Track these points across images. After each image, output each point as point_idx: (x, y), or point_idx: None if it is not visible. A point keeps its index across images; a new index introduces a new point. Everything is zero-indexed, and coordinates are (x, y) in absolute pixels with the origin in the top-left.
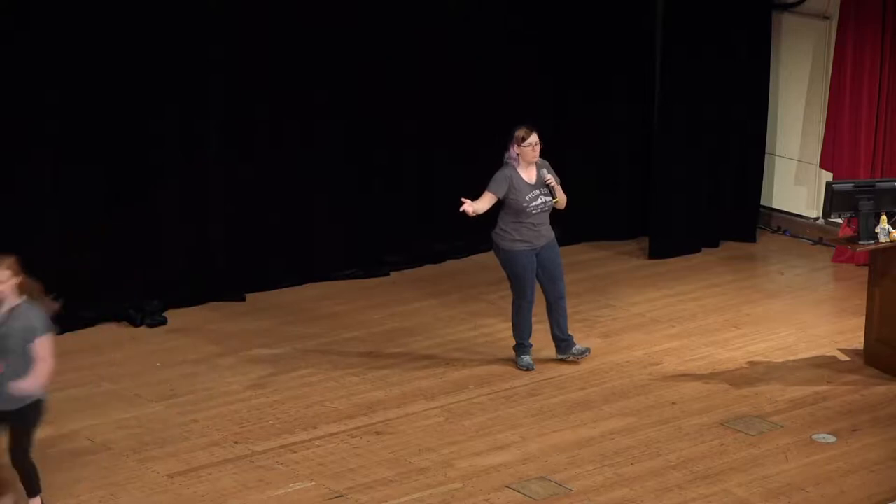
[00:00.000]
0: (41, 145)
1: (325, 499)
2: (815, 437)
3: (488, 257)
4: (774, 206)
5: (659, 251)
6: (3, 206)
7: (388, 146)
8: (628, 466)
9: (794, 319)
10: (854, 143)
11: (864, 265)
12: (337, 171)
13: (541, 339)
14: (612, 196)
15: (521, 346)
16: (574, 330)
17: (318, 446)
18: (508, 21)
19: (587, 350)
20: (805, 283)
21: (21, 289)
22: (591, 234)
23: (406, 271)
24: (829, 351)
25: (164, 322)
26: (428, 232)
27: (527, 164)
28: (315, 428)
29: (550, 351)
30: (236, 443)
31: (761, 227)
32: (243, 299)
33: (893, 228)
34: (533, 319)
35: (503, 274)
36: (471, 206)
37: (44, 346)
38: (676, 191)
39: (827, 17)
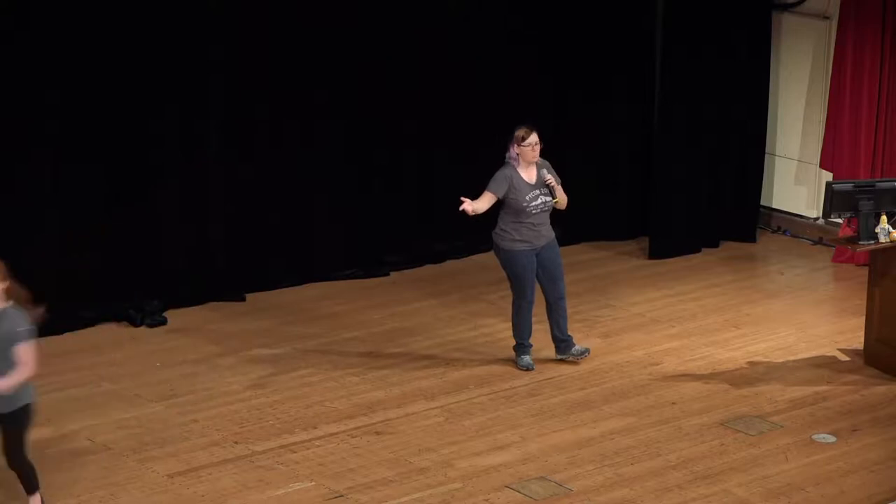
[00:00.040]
0: (41, 145)
1: (325, 499)
2: (815, 437)
3: (488, 257)
4: (774, 206)
5: (659, 251)
6: (3, 206)
7: (388, 146)
8: (628, 466)
9: (794, 319)
10: (854, 143)
11: (864, 265)
12: (337, 171)
13: (541, 339)
14: (612, 196)
15: (521, 346)
16: (574, 330)
17: (318, 446)
18: (508, 21)
19: (586, 351)
20: (805, 283)
21: (7, 294)
22: (591, 234)
23: (406, 271)
24: (829, 351)
25: (164, 322)
26: (428, 232)
27: (527, 164)
28: (315, 428)
29: (550, 351)
30: (236, 443)
31: (761, 227)
32: (243, 299)
33: (893, 228)
34: (533, 319)
35: (503, 274)
36: (470, 206)
37: (27, 352)
38: (676, 191)
39: (827, 17)
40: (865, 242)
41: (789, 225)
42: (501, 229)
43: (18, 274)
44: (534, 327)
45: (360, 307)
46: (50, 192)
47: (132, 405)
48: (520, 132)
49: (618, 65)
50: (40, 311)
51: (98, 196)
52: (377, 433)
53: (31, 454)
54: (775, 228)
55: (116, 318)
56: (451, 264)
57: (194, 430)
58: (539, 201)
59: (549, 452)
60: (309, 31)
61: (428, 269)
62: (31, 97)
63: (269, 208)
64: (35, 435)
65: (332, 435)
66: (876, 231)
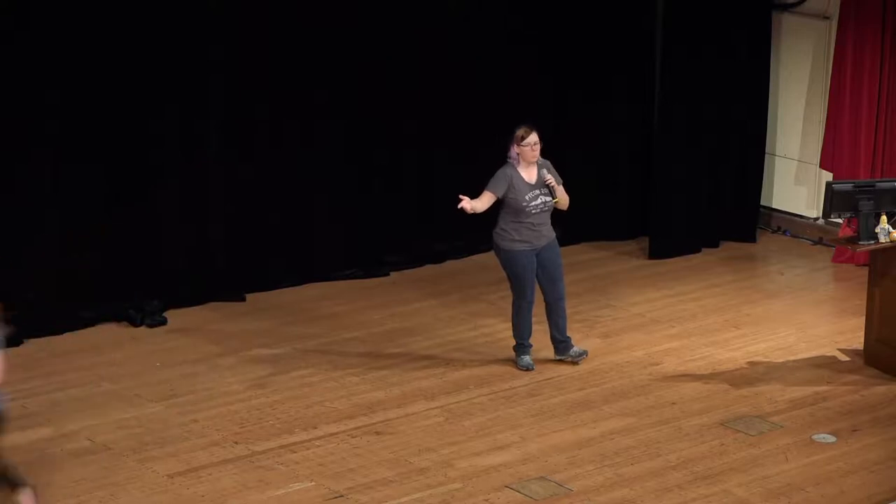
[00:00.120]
0: (41, 145)
1: (325, 499)
2: (815, 437)
3: (488, 257)
4: (774, 206)
5: (659, 251)
6: (3, 206)
7: (388, 146)
8: (628, 466)
9: (794, 319)
10: (854, 143)
11: (864, 265)
12: (337, 171)
13: (541, 339)
14: (612, 196)
15: (521, 347)
16: (574, 330)
17: (318, 446)
18: (508, 21)
19: (585, 352)
20: (805, 284)
21: None
22: (591, 234)
23: (406, 271)
24: (829, 351)
25: (164, 322)
26: (428, 232)
27: (527, 163)
28: (315, 428)
29: (550, 351)
30: (236, 443)
31: (761, 227)
32: (243, 299)
33: (893, 228)
34: (533, 319)
35: (503, 274)
36: (469, 204)
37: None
38: (676, 191)
39: (827, 17)
40: (865, 242)
41: (789, 225)
42: (502, 229)
43: (18, 274)
44: (534, 327)
45: (360, 307)
46: (50, 192)
47: (132, 405)
48: (519, 132)
49: (618, 65)
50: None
51: (98, 196)
52: (377, 433)
53: (31, 454)
54: (775, 228)
55: (116, 318)
56: (451, 264)
57: (194, 430)
58: (539, 201)
59: (549, 452)
60: (309, 31)
61: (428, 269)
62: (31, 97)
63: (269, 208)
64: (35, 435)
65: (332, 435)
66: (876, 231)
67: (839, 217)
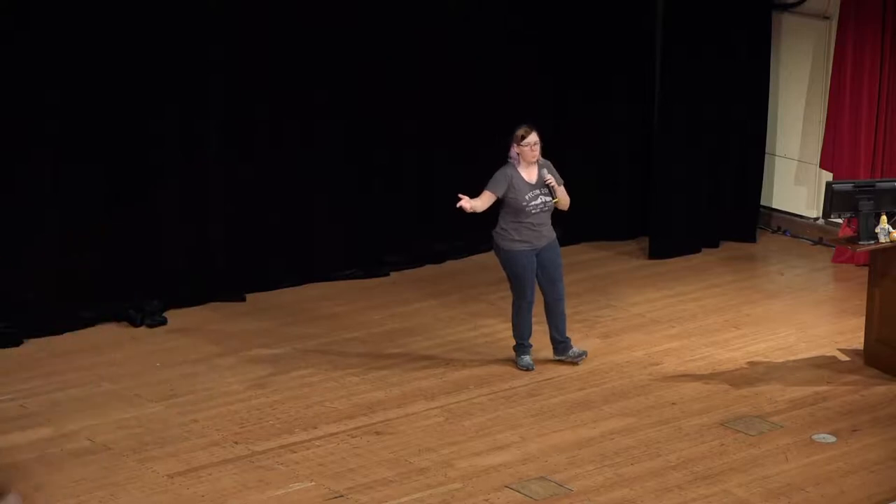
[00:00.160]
0: (41, 145)
1: (325, 499)
2: (815, 437)
3: (488, 257)
4: (774, 206)
5: (659, 251)
6: (3, 206)
7: (388, 146)
8: (628, 466)
9: (794, 320)
10: (854, 143)
11: (864, 265)
12: (337, 171)
13: (541, 339)
14: (612, 196)
15: (521, 347)
16: (574, 330)
17: (318, 446)
18: (508, 21)
19: (584, 353)
20: (805, 284)
21: None
22: (591, 234)
23: (406, 271)
24: (829, 351)
25: (164, 322)
26: (428, 232)
27: (527, 163)
28: (315, 428)
29: (550, 351)
30: (236, 443)
31: (761, 228)
32: (243, 299)
33: (893, 228)
34: (533, 320)
35: (503, 274)
36: (468, 203)
37: None
38: (676, 191)
39: (827, 17)
40: (865, 242)
41: (789, 225)
42: (502, 228)
43: (18, 274)
44: (534, 328)
45: (360, 307)
46: (50, 192)
47: (132, 405)
48: (519, 131)
49: (618, 65)
50: None
51: (98, 196)
52: (377, 433)
53: (31, 454)
54: (775, 228)
55: (116, 318)
56: (451, 264)
57: (194, 430)
58: (539, 201)
59: (549, 452)
60: (309, 31)
61: (428, 269)
62: (31, 97)
63: (269, 208)
64: (35, 435)
65: (332, 435)
66: (876, 231)
67: (839, 217)
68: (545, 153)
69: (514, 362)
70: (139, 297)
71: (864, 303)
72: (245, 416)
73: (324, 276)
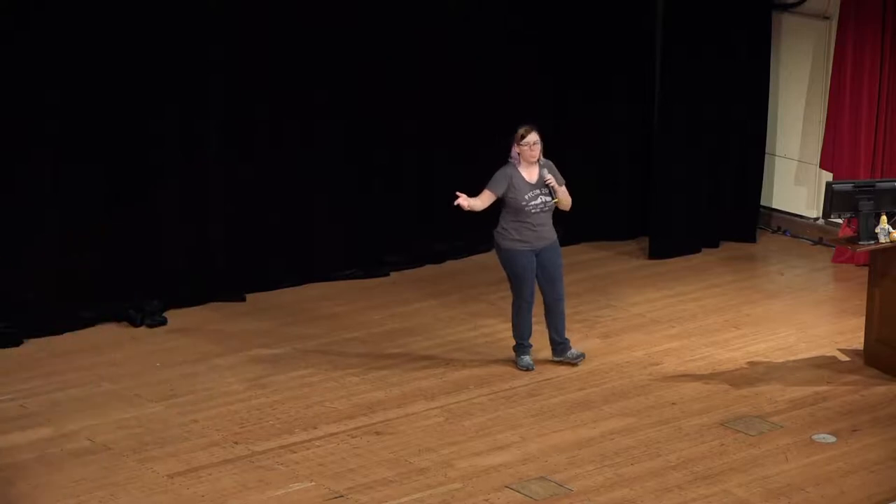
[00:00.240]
0: (41, 145)
1: (325, 499)
2: (815, 437)
3: (488, 257)
4: (774, 206)
5: (659, 251)
6: (3, 206)
7: (388, 146)
8: (628, 466)
9: (794, 320)
10: (854, 143)
11: (864, 265)
12: (337, 171)
13: (541, 339)
14: (612, 196)
15: (521, 347)
16: (574, 330)
17: (318, 446)
18: (508, 21)
19: (583, 355)
20: (805, 284)
21: None
22: (591, 234)
23: (406, 271)
24: (829, 351)
25: (164, 322)
26: (428, 232)
27: (527, 163)
28: (315, 428)
29: (550, 351)
30: (236, 443)
31: (761, 228)
32: (243, 299)
33: (893, 228)
34: (533, 320)
35: (503, 274)
36: (466, 201)
37: None
38: (676, 191)
39: (827, 17)
40: (865, 243)
41: (789, 225)
42: (503, 228)
43: (18, 274)
44: (534, 328)
45: (360, 307)
46: (50, 192)
47: (132, 405)
48: (520, 131)
49: (618, 65)
50: None
51: (98, 196)
52: (377, 433)
53: (31, 454)
54: (775, 228)
55: (116, 318)
56: (451, 264)
57: (194, 430)
58: (539, 201)
59: (549, 452)
60: (309, 31)
61: (428, 269)
62: (31, 97)
63: (269, 208)
64: (35, 435)
65: (332, 435)
66: (876, 231)
67: (839, 217)
68: (545, 153)
69: (514, 362)
70: (139, 297)
71: (864, 303)
72: (245, 416)
73: (324, 276)
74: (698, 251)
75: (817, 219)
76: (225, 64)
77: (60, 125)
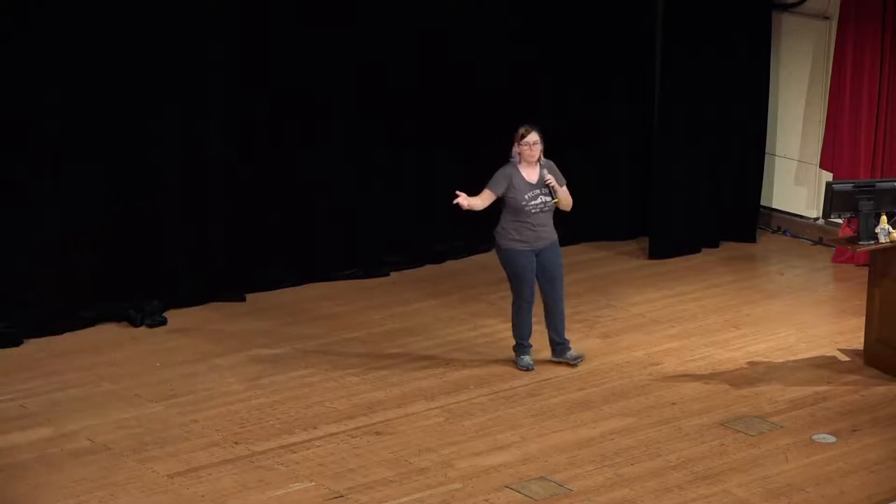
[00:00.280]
0: (41, 145)
1: (325, 499)
2: (815, 437)
3: (488, 257)
4: (774, 206)
5: (659, 251)
6: (3, 206)
7: (388, 146)
8: (628, 466)
9: (794, 320)
10: (854, 143)
11: (864, 265)
12: (337, 171)
13: (541, 339)
14: (612, 196)
15: (521, 347)
16: (574, 330)
17: (318, 446)
18: (508, 21)
19: (582, 355)
20: (805, 284)
21: None
22: (591, 234)
23: (406, 271)
24: (829, 351)
25: (164, 322)
26: (428, 232)
27: (528, 163)
28: (315, 428)
29: (550, 352)
30: (236, 443)
31: (761, 228)
32: (243, 299)
33: (893, 228)
34: (533, 320)
35: (503, 274)
36: (465, 200)
37: None
38: (676, 191)
39: (827, 17)
40: (865, 243)
41: (789, 225)
42: (503, 228)
43: (18, 274)
44: (534, 328)
45: (360, 307)
46: (50, 192)
47: (132, 405)
48: (520, 130)
49: (618, 65)
50: None
51: (98, 196)
52: (377, 433)
53: (31, 454)
54: (775, 228)
55: (116, 318)
56: (451, 264)
57: (194, 430)
58: (539, 201)
59: (549, 452)
60: (309, 31)
61: (428, 269)
62: (31, 97)
63: (269, 208)
64: (35, 435)
65: (332, 435)
66: (876, 231)
67: (839, 217)
68: (545, 153)
69: (514, 362)
70: (139, 297)
71: (864, 303)
72: (245, 416)
73: (324, 276)
74: (698, 251)
75: (817, 219)
76: (225, 64)
77: (60, 125)
